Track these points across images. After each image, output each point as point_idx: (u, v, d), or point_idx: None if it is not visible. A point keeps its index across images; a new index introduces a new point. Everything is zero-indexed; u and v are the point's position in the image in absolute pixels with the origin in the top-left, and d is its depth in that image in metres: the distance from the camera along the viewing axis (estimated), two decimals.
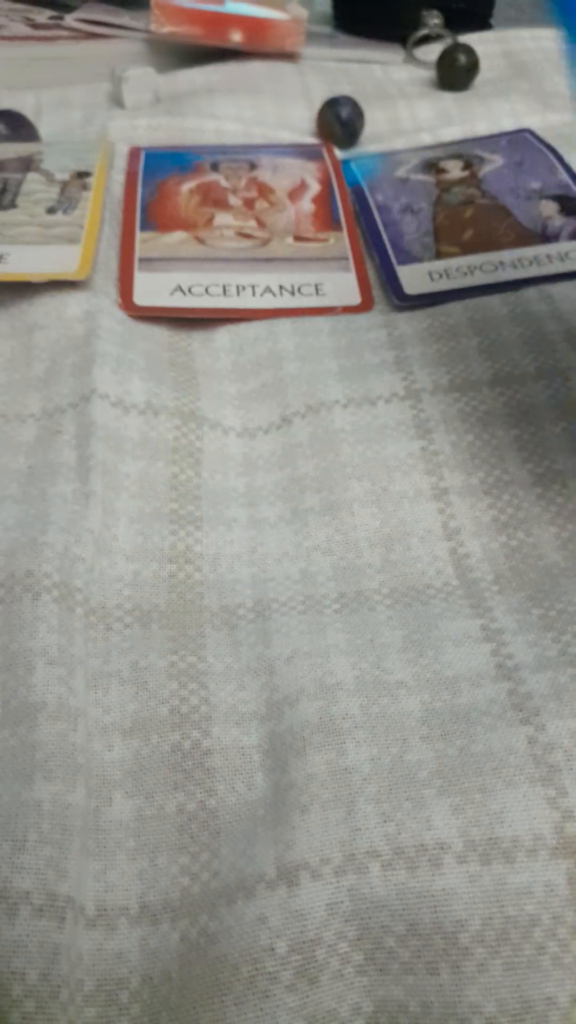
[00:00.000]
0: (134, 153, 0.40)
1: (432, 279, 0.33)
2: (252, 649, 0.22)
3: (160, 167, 0.39)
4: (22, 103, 0.45)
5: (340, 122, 0.42)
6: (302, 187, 0.38)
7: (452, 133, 0.43)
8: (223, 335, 0.32)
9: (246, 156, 0.40)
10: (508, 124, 0.43)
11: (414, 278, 0.33)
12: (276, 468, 0.27)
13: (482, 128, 0.43)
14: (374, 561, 0.24)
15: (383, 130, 0.44)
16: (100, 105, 0.45)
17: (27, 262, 0.32)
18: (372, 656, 0.21)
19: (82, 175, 0.37)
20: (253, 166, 0.39)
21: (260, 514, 0.26)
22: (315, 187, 0.38)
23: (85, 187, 0.36)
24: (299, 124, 0.44)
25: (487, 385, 0.28)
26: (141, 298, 0.32)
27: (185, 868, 0.19)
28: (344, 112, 0.42)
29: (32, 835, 0.18)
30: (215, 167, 0.39)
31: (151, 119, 0.43)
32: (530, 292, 0.31)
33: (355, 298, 0.33)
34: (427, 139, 0.43)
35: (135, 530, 0.25)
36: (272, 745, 0.20)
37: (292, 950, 0.17)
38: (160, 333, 0.31)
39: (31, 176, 0.37)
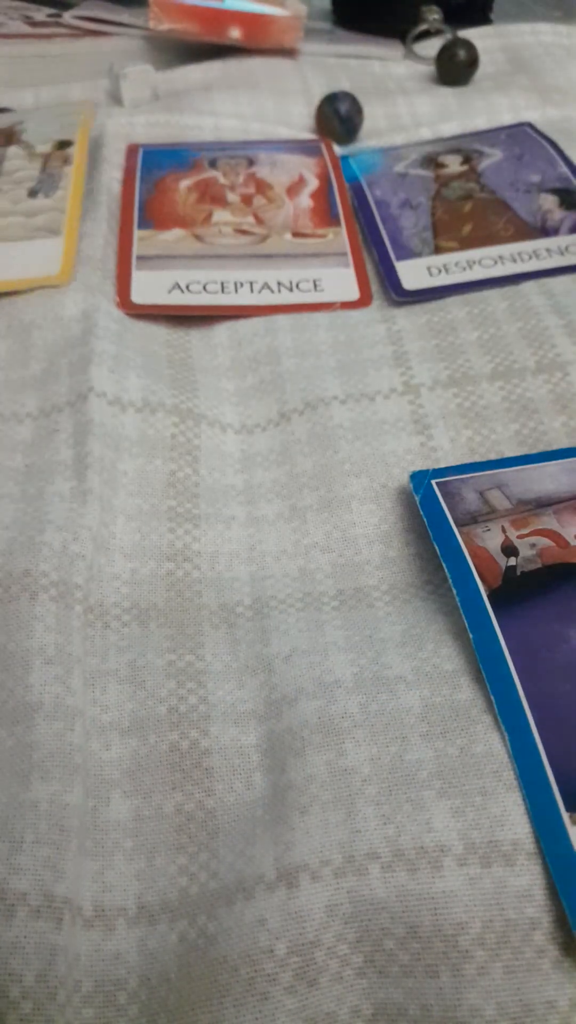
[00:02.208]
0: (132, 150, 0.40)
1: (431, 274, 0.32)
2: (251, 647, 0.22)
3: (158, 164, 0.39)
4: (21, 101, 0.45)
5: (339, 118, 0.42)
6: (300, 183, 0.38)
7: (451, 128, 0.43)
8: (221, 332, 0.31)
9: (244, 152, 0.40)
10: (508, 119, 0.43)
11: (413, 273, 0.33)
12: (274, 465, 0.27)
13: (481, 123, 0.43)
14: (373, 558, 0.24)
15: (382, 126, 0.44)
16: (99, 102, 0.45)
17: (10, 264, 0.32)
18: (371, 652, 0.21)
19: (64, 145, 0.36)
20: (251, 162, 0.39)
21: (258, 511, 0.26)
22: (313, 183, 0.38)
23: (67, 160, 0.35)
24: (298, 120, 0.44)
25: (486, 380, 0.28)
26: (139, 296, 0.32)
27: (183, 868, 0.19)
28: (343, 108, 0.42)
29: (29, 835, 0.18)
30: (213, 164, 0.39)
31: (149, 116, 0.43)
32: (530, 286, 0.31)
33: (353, 294, 0.32)
34: (426, 134, 0.42)
35: (133, 528, 0.24)
36: (271, 745, 0.20)
37: (291, 952, 0.17)
38: (158, 331, 0.31)
39: (12, 151, 0.36)
